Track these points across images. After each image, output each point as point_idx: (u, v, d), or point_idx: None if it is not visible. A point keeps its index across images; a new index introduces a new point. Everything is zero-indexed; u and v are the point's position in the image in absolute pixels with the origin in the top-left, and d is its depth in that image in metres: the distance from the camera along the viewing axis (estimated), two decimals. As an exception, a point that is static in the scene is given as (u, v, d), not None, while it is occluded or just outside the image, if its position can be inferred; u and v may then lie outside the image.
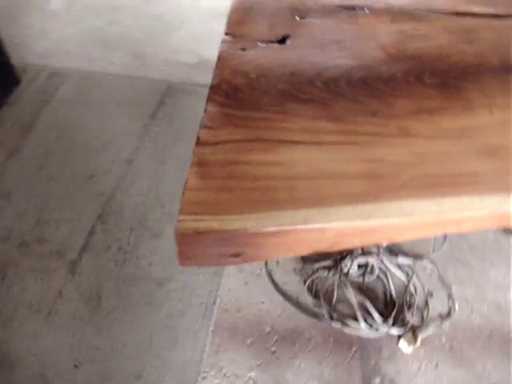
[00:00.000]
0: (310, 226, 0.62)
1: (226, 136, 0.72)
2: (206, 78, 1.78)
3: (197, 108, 1.63)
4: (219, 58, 0.87)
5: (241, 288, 1.18)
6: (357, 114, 0.79)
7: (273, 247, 0.68)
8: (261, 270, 1.23)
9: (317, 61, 0.88)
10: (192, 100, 1.62)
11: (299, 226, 0.61)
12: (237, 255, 0.67)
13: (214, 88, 0.81)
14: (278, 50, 0.90)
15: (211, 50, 1.88)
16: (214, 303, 1.11)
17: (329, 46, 0.92)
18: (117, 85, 1.67)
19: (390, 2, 1.05)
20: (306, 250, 0.75)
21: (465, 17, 1.04)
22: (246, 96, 0.80)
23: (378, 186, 0.68)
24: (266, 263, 1.25)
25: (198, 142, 0.71)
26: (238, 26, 0.95)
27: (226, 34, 0.92)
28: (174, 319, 1.08)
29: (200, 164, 0.68)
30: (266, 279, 1.20)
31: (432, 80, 0.89)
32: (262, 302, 1.16)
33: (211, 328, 1.08)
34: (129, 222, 1.25)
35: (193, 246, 0.63)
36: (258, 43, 0.90)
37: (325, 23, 0.98)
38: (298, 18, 0.98)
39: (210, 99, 0.79)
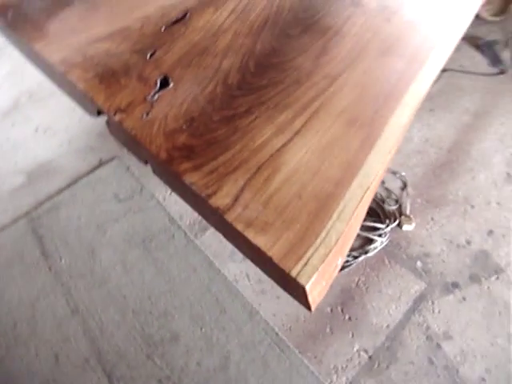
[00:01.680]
0: (366, 194, 0.67)
1: (235, 188, 0.70)
2: (54, 183, 1.56)
3: (80, 213, 1.44)
4: (135, 137, 0.80)
5: (276, 302, 1.18)
6: (291, 91, 0.83)
7: (354, 231, 0.73)
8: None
9: (217, 66, 0.88)
10: (66, 210, 1.40)
11: (365, 196, 0.67)
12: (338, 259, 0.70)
13: (168, 162, 0.75)
14: (172, 92, 0.86)
15: (29, 153, 1.61)
16: (277, 334, 1.10)
17: (211, 45, 0.93)
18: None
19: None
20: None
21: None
22: (202, 146, 0.76)
23: (367, 126, 0.77)
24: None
25: (222, 213, 0.67)
26: (111, 96, 0.86)
27: (114, 113, 0.83)
28: (270, 380, 1.03)
29: (248, 224, 0.65)
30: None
31: (297, 30, 0.99)
32: (302, 296, 1.19)
33: (297, 351, 1.07)
34: (140, 367, 1.08)
35: (319, 283, 0.63)
36: (149, 98, 0.85)
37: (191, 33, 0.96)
38: (163, 29, 0.96)
39: (178, 174, 0.73)
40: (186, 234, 1.32)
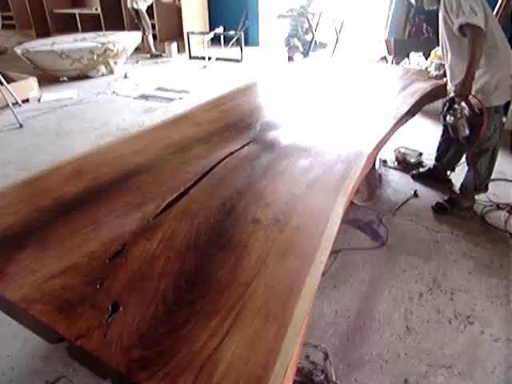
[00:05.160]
0: (287, 371, 0.96)
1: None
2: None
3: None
4: (96, 358, 1.01)
5: None
6: (217, 300, 1.15)
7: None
8: None
9: (156, 288, 1.17)
10: None
11: (287, 373, 0.95)
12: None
13: (127, 375, 0.97)
14: (123, 314, 1.12)
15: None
16: None
17: (148, 270, 1.22)
18: None
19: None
20: None
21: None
22: (154, 356, 1.00)
23: (279, 318, 1.09)
24: None
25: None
26: (71, 325, 1.07)
27: (75, 339, 1.05)
28: None
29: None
30: None
31: (213, 250, 1.36)
32: None
33: None
34: None
35: None
36: (104, 322, 1.09)
37: (130, 262, 1.26)
38: (107, 261, 1.22)
39: (137, 383, 0.95)
40: None
